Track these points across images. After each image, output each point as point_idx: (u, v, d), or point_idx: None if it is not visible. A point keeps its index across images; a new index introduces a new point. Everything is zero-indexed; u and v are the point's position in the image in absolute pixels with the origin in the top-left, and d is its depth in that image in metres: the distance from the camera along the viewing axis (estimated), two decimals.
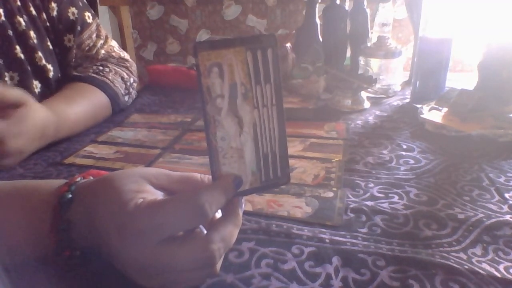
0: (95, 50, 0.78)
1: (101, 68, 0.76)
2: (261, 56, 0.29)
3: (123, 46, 1.73)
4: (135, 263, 0.28)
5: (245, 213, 0.42)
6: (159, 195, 0.31)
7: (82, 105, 0.67)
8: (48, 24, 0.70)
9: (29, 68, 0.66)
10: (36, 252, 0.32)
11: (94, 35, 0.79)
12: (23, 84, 0.65)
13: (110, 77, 0.75)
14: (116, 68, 0.78)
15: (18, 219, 0.32)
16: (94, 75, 0.73)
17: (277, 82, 0.30)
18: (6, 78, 0.62)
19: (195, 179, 0.32)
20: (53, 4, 0.71)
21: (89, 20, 0.78)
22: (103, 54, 0.79)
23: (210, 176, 0.32)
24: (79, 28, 0.75)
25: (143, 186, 0.30)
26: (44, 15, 0.70)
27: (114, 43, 0.84)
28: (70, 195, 0.31)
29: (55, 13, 0.71)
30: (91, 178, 0.34)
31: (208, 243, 0.28)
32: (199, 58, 0.28)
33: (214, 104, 0.29)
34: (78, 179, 0.33)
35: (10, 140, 0.50)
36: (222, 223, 0.30)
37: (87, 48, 0.77)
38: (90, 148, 0.62)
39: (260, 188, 0.32)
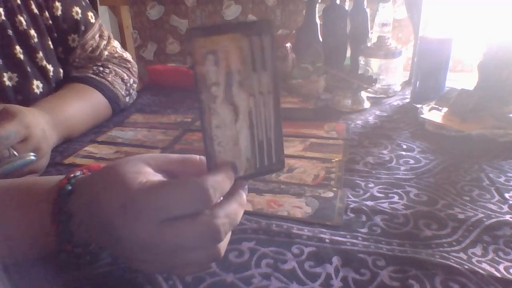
0: (98, 52, 0.78)
1: (101, 69, 0.75)
2: (258, 42, 0.28)
3: (123, 46, 1.72)
4: (140, 242, 0.28)
5: (245, 213, 0.42)
6: (159, 177, 0.31)
7: (79, 105, 0.66)
8: (51, 22, 0.70)
9: (29, 69, 0.65)
10: (38, 246, 0.32)
11: (97, 36, 0.78)
12: (22, 85, 0.64)
13: (109, 79, 0.74)
14: (116, 69, 0.77)
15: (18, 214, 0.32)
16: (93, 76, 0.73)
17: (274, 69, 0.29)
18: (5, 79, 0.62)
19: (194, 160, 0.33)
20: (57, 4, 0.70)
21: (92, 20, 0.77)
22: (106, 55, 0.79)
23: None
24: (83, 28, 0.74)
25: (144, 169, 0.31)
26: (47, 14, 0.69)
27: (116, 44, 0.84)
28: (70, 187, 0.31)
29: (59, 12, 0.71)
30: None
31: (213, 218, 0.28)
32: (193, 45, 0.26)
33: (209, 92, 0.28)
34: (78, 172, 0.33)
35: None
36: (226, 201, 0.30)
37: (90, 49, 0.77)
38: (90, 148, 0.62)
39: (254, 174, 0.32)
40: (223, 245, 0.30)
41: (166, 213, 0.28)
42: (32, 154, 0.48)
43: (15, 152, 0.46)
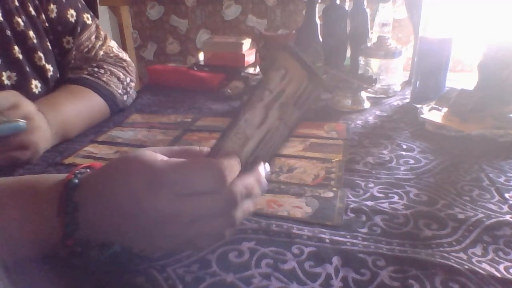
0: (93, 52, 0.78)
1: (96, 69, 0.75)
2: (311, 89, 0.32)
3: (123, 46, 1.73)
4: (162, 214, 0.29)
5: None
6: None
7: (74, 106, 0.66)
8: (47, 25, 0.70)
9: (28, 69, 0.66)
10: (43, 242, 0.32)
11: (93, 37, 0.78)
12: (21, 84, 0.64)
13: (104, 79, 0.74)
14: (112, 69, 0.77)
15: (23, 209, 0.32)
16: (88, 76, 0.73)
17: (303, 114, 0.33)
18: (4, 78, 0.62)
19: (194, 151, 0.35)
20: (52, 6, 0.71)
21: (88, 22, 0.77)
22: (102, 55, 0.79)
23: (208, 149, 0.34)
24: (78, 29, 0.75)
25: (156, 155, 0.32)
26: (43, 16, 0.70)
27: (113, 44, 0.84)
28: (77, 180, 0.32)
29: (54, 14, 0.71)
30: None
31: (230, 186, 0.30)
32: (280, 54, 0.31)
33: (263, 93, 0.32)
34: (83, 169, 0.34)
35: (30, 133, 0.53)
36: (243, 175, 0.32)
37: (86, 49, 0.77)
38: (90, 148, 0.62)
39: None
40: (239, 214, 0.32)
41: (186, 187, 0.30)
42: (22, 120, 0.50)
43: (4, 119, 0.49)
